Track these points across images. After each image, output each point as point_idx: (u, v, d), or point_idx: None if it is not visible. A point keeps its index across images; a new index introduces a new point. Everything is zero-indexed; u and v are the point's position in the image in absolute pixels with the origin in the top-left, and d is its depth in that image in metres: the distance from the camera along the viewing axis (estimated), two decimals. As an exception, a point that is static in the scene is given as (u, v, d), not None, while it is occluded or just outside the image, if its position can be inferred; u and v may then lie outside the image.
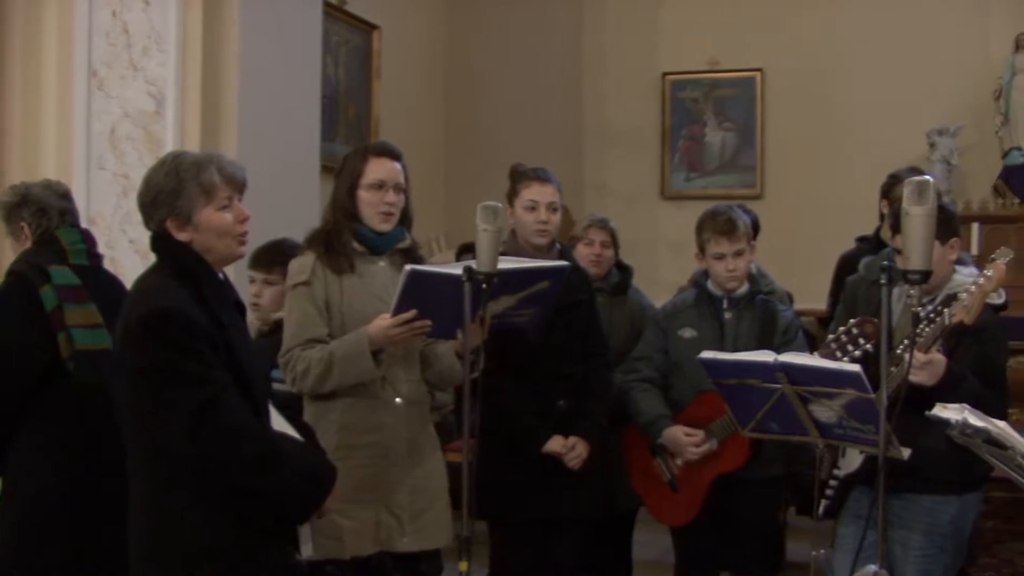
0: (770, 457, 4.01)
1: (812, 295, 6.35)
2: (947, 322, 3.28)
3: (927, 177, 2.56)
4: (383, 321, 3.31)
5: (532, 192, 4.00)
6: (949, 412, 2.35)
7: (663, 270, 8.24)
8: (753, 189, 9.07)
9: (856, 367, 2.93)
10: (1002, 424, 2.32)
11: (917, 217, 2.54)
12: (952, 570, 3.65)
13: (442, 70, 8.88)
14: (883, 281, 2.67)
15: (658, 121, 9.32)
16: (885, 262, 2.67)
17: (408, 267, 3.27)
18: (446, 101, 8.89)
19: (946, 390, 3.24)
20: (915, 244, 2.55)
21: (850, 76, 8.87)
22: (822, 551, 3.41)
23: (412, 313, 3.28)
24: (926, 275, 2.60)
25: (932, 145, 8.55)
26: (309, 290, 3.45)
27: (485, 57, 9.00)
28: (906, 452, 3.08)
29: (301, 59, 5.77)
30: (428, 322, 3.31)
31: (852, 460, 3.64)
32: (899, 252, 3.60)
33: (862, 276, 3.94)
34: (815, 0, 8.99)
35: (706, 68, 9.22)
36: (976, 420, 2.27)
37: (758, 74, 9.13)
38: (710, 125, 9.24)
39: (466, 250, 6.14)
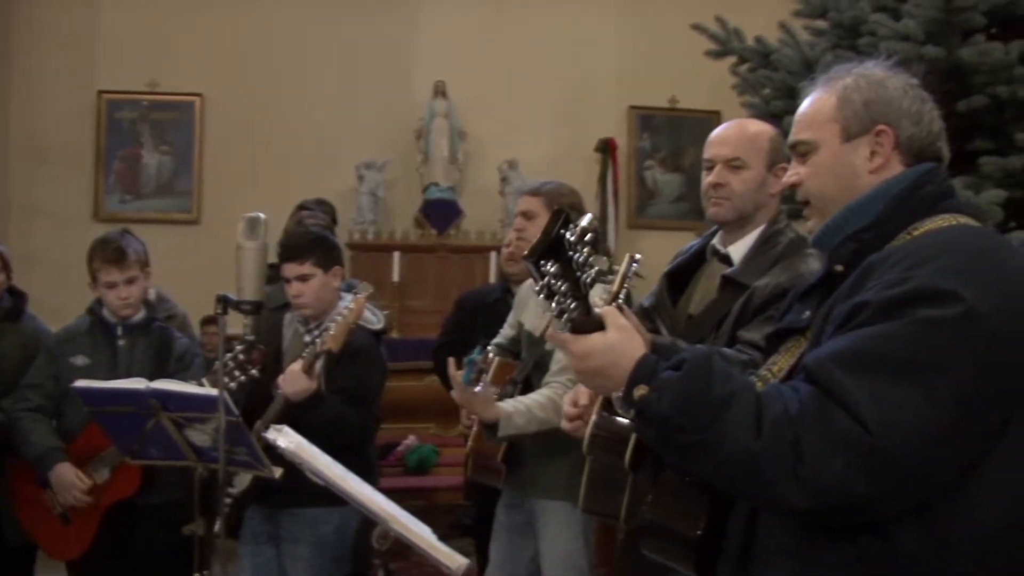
0: (168, 482, 4.03)
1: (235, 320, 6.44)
2: (319, 349, 3.53)
3: (258, 214, 2.73)
4: None
5: None
6: (271, 433, 2.54)
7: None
8: (189, 214, 9.07)
9: (214, 392, 3.05)
10: (297, 441, 2.54)
11: (249, 251, 2.71)
12: (339, 576, 3.91)
13: None
14: (218, 311, 2.80)
15: (92, 140, 9.03)
16: (221, 293, 2.80)
17: None
18: None
19: (308, 407, 3.50)
20: (247, 277, 2.72)
21: (288, 106, 9.16)
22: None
23: None
24: (258, 306, 2.78)
25: (361, 178, 9.07)
26: None
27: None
28: (278, 471, 3.26)
29: None
30: None
31: (243, 479, 3.78)
32: (287, 281, 3.83)
33: (270, 306, 4.11)
34: (256, 30, 9.19)
35: (145, 89, 9.08)
36: (282, 441, 2.48)
37: (198, 99, 9.15)
38: (147, 147, 9.10)
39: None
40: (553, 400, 3.34)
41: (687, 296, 3.02)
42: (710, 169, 2.96)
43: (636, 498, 2.18)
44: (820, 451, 1.64)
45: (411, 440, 7.50)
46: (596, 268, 1.78)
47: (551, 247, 1.75)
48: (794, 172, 2.00)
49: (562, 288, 1.76)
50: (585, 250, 1.75)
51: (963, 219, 1.85)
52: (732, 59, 5.65)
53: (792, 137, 2.02)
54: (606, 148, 9.70)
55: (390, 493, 4.14)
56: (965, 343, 1.65)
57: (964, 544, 1.68)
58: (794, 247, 2.88)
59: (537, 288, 1.81)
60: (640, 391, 1.75)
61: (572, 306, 1.78)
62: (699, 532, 1.93)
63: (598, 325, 1.81)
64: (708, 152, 2.99)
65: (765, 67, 5.30)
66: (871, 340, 1.68)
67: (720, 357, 1.81)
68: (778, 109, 5.17)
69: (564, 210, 1.80)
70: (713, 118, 8.50)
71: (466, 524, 5.82)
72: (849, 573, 1.71)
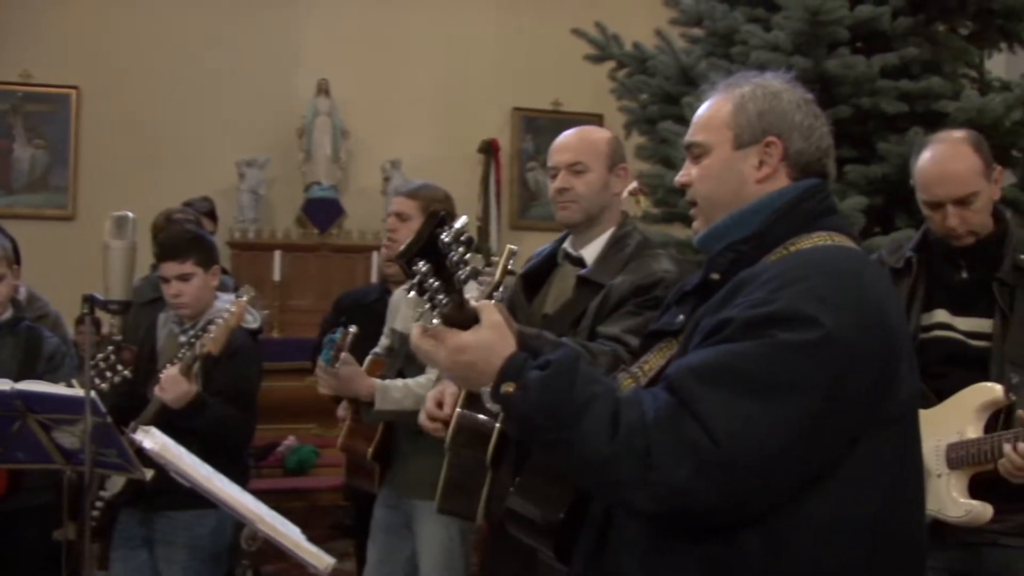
0: (37, 485, 3.94)
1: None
2: (198, 351, 3.50)
3: (127, 213, 2.71)
4: None
5: None
6: (138, 434, 2.53)
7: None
8: (65, 210, 8.85)
9: (82, 393, 3.00)
10: (163, 442, 2.54)
11: (116, 250, 2.69)
12: (216, 579, 3.88)
13: None
14: (85, 311, 2.77)
15: (-41, 133, 8.75)
16: (88, 293, 2.77)
17: None
18: None
19: (191, 413, 3.48)
20: (115, 277, 2.69)
21: (167, 102, 9.01)
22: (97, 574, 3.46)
23: None
24: (125, 306, 2.76)
25: (242, 175, 8.97)
26: None
27: None
28: (149, 473, 3.23)
29: None
30: None
31: (116, 481, 3.72)
32: (166, 281, 3.78)
33: (138, 301, 4.06)
34: (136, 22, 9.03)
35: (18, 80, 8.83)
36: (148, 442, 2.47)
37: (74, 92, 8.94)
38: (20, 140, 8.85)
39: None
40: (432, 380, 3.38)
41: (541, 297, 3.16)
42: (555, 176, 3.14)
43: (496, 493, 2.21)
44: (669, 459, 1.68)
45: (291, 441, 7.46)
46: (471, 267, 1.80)
47: (424, 247, 1.77)
48: (686, 172, 2.04)
49: (435, 285, 1.79)
50: (460, 249, 1.78)
51: (838, 238, 1.91)
52: (611, 64, 5.75)
53: (687, 137, 2.06)
54: (489, 149, 9.79)
55: (269, 494, 4.14)
56: (819, 367, 1.71)
57: (802, 547, 1.75)
58: (642, 247, 3.08)
59: (407, 287, 1.83)
60: (507, 388, 1.78)
61: (444, 301, 1.81)
62: (561, 516, 1.98)
63: (473, 319, 1.84)
64: (551, 160, 3.18)
65: (642, 73, 5.41)
66: (730, 356, 1.73)
67: (587, 354, 1.86)
68: (654, 114, 5.29)
69: (440, 212, 1.82)
70: (596, 121, 8.62)
71: (346, 525, 5.82)
72: (694, 569, 1.78)
